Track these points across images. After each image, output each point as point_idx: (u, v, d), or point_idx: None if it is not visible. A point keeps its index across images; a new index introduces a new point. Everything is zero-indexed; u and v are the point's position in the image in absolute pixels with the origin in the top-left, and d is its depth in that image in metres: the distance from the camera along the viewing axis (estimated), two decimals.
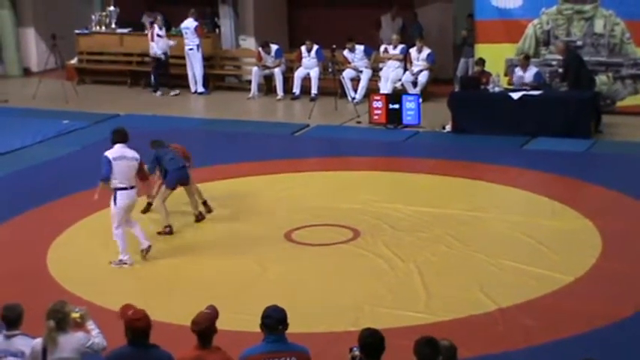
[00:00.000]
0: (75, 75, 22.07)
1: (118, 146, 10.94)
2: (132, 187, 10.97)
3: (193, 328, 6.49)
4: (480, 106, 16.62)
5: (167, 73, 20.73)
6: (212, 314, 6.55)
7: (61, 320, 6.78)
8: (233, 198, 13.54)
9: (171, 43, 20.50)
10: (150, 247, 11.22)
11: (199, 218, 12.53)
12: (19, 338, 7.03)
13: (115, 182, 10.83)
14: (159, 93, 20.64)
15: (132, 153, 10.99)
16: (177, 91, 20.66)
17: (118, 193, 10.84)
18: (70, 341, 6.83)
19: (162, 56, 20.50)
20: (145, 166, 11.41)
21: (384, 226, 12.10)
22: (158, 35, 20.47)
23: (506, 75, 17.46)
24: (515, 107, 16.37)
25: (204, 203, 12.76)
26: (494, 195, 13.75)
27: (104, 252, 11.33)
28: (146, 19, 22.30)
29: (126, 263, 11.04)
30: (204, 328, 6.46)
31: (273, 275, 10.76)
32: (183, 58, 20.51)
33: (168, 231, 12.02)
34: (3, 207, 12.98)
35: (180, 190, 12.41)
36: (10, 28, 23.02)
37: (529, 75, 16.89)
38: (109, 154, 10.88)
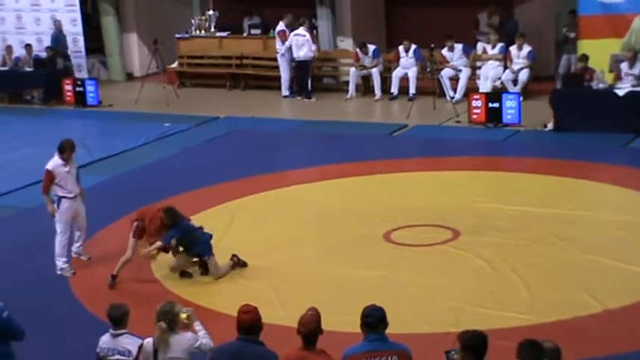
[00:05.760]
0: (175, 78, 22.46)
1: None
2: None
3: (300, 329, 6.50)
4: (583, 104, 16.30)
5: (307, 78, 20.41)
6: (317, 316, 6.55)
7: (171, 321, 6.91)
8: (332, 199, 13.55)
9: (313, 47, 20.30)
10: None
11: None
12: (126, 337, 7.18)
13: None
14: (313, 99, 20.23)
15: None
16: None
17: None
18: (180, 342, 6.95)
19: (310, 59, 20.28)
20: None
21: (485, 227, 11.94)
22: (298, 35, 20.17)
23: (610, 71, 17.03)
24: (621, 104, 16.03)
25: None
26: (598, 194, 13.43)
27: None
28: (246, 23, 22.53)
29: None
30: (312, 329, 6.47)
31: (373, 276, 10.71)
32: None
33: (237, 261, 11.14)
34: (108, 209, 13.25)
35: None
36: (114, 34, 23.56)
37: (635, 70, 16.48)
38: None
